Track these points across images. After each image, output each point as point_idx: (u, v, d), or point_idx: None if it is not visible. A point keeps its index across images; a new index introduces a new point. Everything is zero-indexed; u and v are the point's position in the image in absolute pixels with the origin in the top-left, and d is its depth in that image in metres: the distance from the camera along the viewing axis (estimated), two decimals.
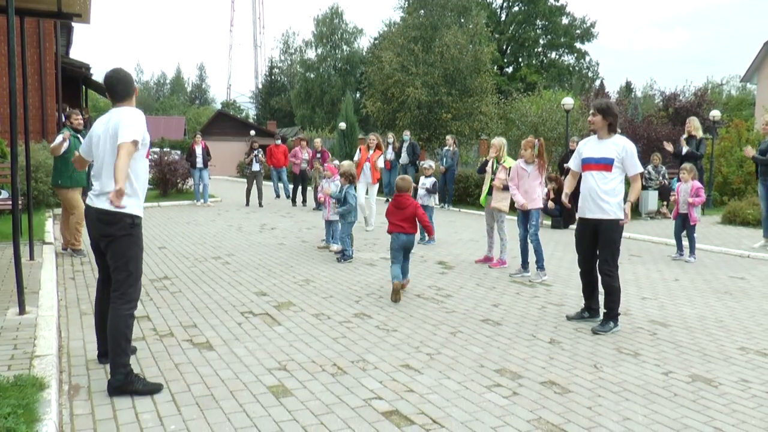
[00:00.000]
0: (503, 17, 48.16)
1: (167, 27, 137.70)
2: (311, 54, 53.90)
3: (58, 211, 9.23)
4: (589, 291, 5.45)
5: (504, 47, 47.41)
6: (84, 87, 20.64)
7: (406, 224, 6.25)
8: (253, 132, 34.16)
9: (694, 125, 11.32)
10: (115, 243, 3.62)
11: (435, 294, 6.34)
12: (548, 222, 11.77)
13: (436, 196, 9.88)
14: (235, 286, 6.55)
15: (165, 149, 25.43)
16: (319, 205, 13.76)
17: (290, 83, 58.50)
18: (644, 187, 13.46)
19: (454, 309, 5.75)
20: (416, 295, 6.26)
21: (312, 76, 52.31)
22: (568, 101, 15.66)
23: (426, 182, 9.47)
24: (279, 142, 17.34)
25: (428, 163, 9.79)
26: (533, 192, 7.18)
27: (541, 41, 47.98)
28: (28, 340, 4.31)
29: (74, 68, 18.00)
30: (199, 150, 15.26)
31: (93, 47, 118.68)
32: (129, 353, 3.67)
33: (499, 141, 7.91)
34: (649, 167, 13.68)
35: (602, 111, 5.15)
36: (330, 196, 8.32)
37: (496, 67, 37.06)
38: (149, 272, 7.10)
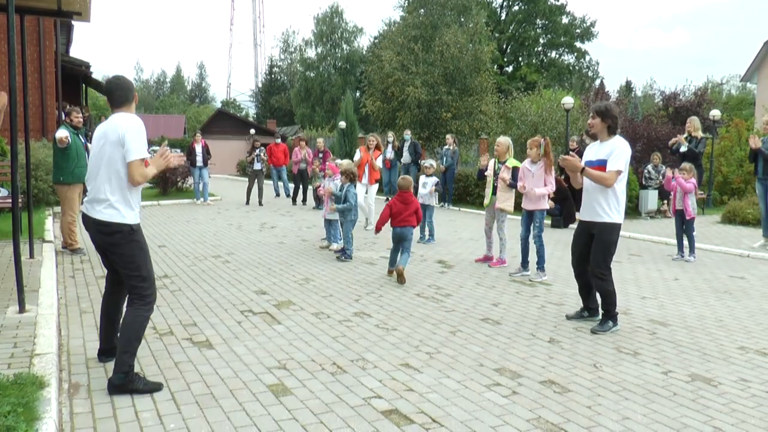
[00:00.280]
0: (503, 16, 48.13)
1: (167, 25, 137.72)
2: (311, 53, 53.89)
3: (58, 209, 9.24)
4: (586, 292, 5.45)
5: (504, 46, 47.39)
6: (84, 85, 20.64)
7: (412, 218, 7.07)
8: (252, 131, 34.14)
9: (694, 125, 11.33)
10: (120, 251, 3.67)
11: (434, 293, 6.34)
12: (548, 222, 11.77)
13: (437, 195, 9.88)
14: (234, 284, 6.55)
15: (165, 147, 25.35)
16: (319, 204, 13.78)
17: (290, 82, 58.47)
18: (644, 187, 13.46)
19: (453, 308, 5.75)
20: (416, 294, 6.26)
21: (312, 74, 52.27)
22: (568, 101, 15.65)
23: (428, 181, 9.46)
24: (279, 140, 17.34)
25: (429, 162, 9.79)
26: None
27: (541, 40, 47.95)
28: (28, 339, 4.31)
29: (74, 66, 18.00)
30: (199, 148, 15.26)
31: (93, 46, 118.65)
32: (136, 353, 3.69)
33: (504, 140, 7.81)
34: (649, 167, 13.68)
35: (601, 114, 5.12)
36: (332, 194, 8.33)
37: (496, 67, 37.06)
38: None
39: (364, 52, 47.91)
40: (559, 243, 9.84)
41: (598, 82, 40.81)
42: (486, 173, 8.01)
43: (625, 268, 7.87)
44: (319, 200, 13.66)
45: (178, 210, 13.92)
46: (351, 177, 8.12)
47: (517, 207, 7.69)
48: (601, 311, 5.26)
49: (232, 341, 4.65)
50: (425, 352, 4.50)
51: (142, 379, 3.68)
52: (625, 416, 3.49)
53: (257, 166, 15.47)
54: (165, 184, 16.87)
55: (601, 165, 5.07)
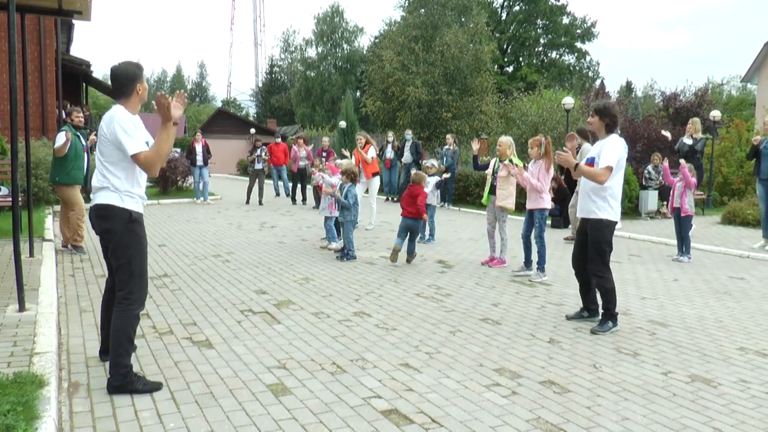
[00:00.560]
0: (504, 16, 48.12)
1: (168, 25, 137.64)
2: (311, 52, 53.90)
3: (58, 208, 9.23)
4: (585, 291, 5.45)
5: (504, 46, 47.38)
6: (84, 84, 20.65)
7: (417, 210, 7.76)
8: (253, 130, 34.13)
9: (696, 127, 11.34)
10: (115, 239, 3.57)
11: (434, 293, 6.34)
12: (548, 222, 11.76)
13: (438, 194, 9.90)
14: (234, 284, 6.55)
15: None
16: (318, 204, 13.77)
17: (290, 81, 58.44)
18: (644, 187, 13.45)
19: (453, 308, 5.75)
20: (416, 294, 6.26)
21: (312, 74, 52.28)
22: (568, 101, 15.65)
23: (430, 181, 9.46)
24: (279, 140, 17.34)
25: (431, 162, 9.80)
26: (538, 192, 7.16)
27: (542, 41, 47.93)
28: (27, 337, 4.31)
29: (75, 65, 18.01)
30: (199, 148, 15.26)
31: (94, 44, 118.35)
32: (131, 354, 3.65)
33: (506, 140, 7.80)
34: (649, 167, 13.66)
35: (599, 112, 5.16)
36: (329, 188, 8.34)
37: (496, 67, 37.08)
38: (149, 270, 7.08)
39: (365, 52, 47.91)
40: (559, 243, 9.84)
41: (598, 82, 40.78)
42: (486, 172, 8.04)
43: (625, 268, 7.87)
44: (319, 200, 13.66)
45: (178, 209, 13.91)
46: (352, 177, 8.12)
47: (521, 207, 7.68)
48: (600, 311, 5.26)
49: (231, 341, 4.65)
50: (425, 352, 4.50)
51: (142, 379, 3.67)
52: (625, 417, 3.49)
53: (258, 165, 15.48)
54: (165, 183, 16.87)
55: (591, 163, 5.14)
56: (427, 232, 9.67)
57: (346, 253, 8.02)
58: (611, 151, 4.99)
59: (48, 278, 6.09)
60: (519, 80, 42.32)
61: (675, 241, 8.80)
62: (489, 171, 7.95)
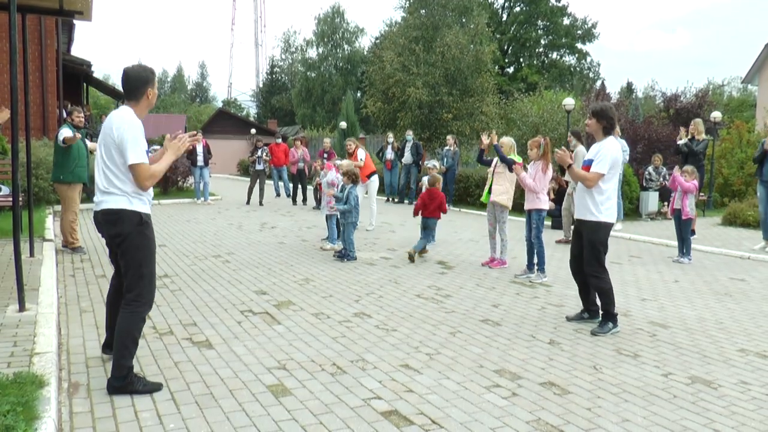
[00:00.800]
0: (504, 17, 48.12)
1: (169, 25, 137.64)
2: (312, 53, 53.90)
3: (59, 207, 9.24)
4: (585, 292, 5.46)
5: (505, 47, 47.38)
6: (85, 84, 20.66)
7: (436, 211, 8.38)
8: (253, 130, 34.13)
9: (698, 128, 11.34)
10: (126, 242, 3.56)
11: (435, 294, 6.34)
12: (548, 222, 11.76)
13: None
14: (234, 284, 6.55)
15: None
16: (319, 204, 13.76)
17: (291, 82, 58.44)
18: (645, 189, 13.45)
19: (453, 309, 5.75)
20: (416, 295, 6.26)
21: (313, 75, 52.28)
22: (569, 102, 15.65)
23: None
24: (279, 140, 17.34)
25: (432, 163, 9.83)
26: (535, 193, 7.16)
27: (543, 42, 47.95)
28: (27, 338, 4.31)
29: (75, 65, 18.03)
30: (199, 148, 15.24)
31: (94, 45, 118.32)
32: (133, 355, 3.64)
33: (508, 140, 7.81)
34: (650, 168, 13.66)
35: (596, 114, 5.17)
36: (333, 195, 8.33)
37: (497, 68, 37.05)
38: None
39: (365, 53, 47.92)
40: (559, 244, 9.83)
41: (599, 83, 40.80)
42: (487, 170, 8.08)
43: (626, 269, 7.87)
44: (319, 201, 13.66)
45: (178, 209, 13.91)
46: (353, 178, 8.11)
47: (521, 207, 7.68)
48: (600, 312, 5.26)
49: (231, 341, 4.65)
50: (425, 353, 4.50)
51: (142, 380, 3.67)
52: (625, 418, 3.49)
53: (260, 166, 15.48)
54: (165, 184, 16.87)
55: (588, 165, 5.15)
56: None
57: (346, 254, 8.02)
58: (605, 156, 5.02)
59: (48, 278, 6.09)
60: (519, 81, 42.32)
61: (675, 243, 8.80)
62: (490, 170, 7.97)
